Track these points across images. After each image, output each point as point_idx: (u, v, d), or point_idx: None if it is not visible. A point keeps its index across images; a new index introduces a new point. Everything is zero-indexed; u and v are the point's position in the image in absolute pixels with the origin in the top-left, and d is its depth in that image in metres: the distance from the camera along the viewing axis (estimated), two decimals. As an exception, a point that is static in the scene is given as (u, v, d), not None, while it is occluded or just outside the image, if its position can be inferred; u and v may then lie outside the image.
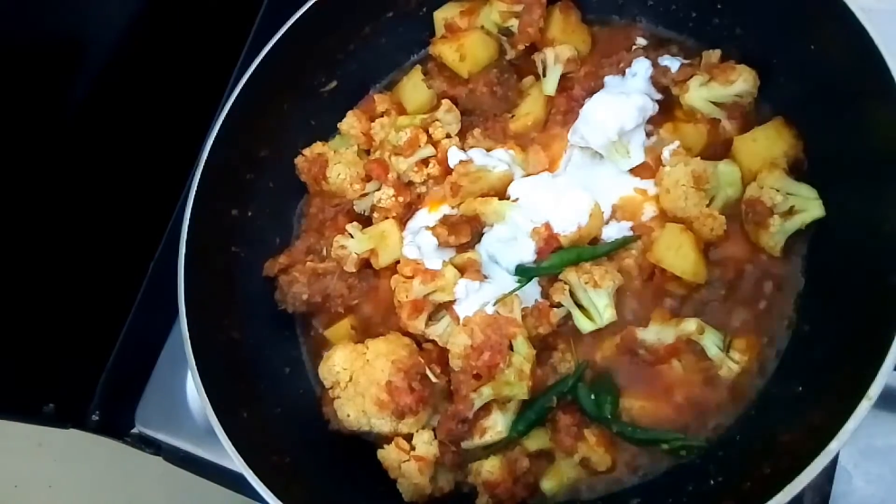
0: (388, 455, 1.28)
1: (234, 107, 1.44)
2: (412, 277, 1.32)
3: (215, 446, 1.22)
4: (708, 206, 1.29)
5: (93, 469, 1.94)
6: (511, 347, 1.25)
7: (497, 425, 1.27)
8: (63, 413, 1.58)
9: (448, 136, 1.47)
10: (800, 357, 1.23)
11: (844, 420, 0.99)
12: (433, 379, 1.29)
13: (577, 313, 1.30)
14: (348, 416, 1.29)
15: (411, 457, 1.26)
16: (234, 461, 1.17)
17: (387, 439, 1.30)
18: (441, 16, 1.58)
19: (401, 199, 1.46)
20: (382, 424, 1.28)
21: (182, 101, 1.73)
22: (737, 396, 1.25)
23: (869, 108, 1.17)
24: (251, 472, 1.16)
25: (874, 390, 0.99)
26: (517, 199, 1.37)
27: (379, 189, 1.48)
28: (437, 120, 1.48)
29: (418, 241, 1.39)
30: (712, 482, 1.19)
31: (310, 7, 1.47)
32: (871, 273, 1.13)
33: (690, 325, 1.24)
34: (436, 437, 1.28)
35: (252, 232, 1.51)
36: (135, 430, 1.62)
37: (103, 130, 1.60)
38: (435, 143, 1.46)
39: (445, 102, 1.49)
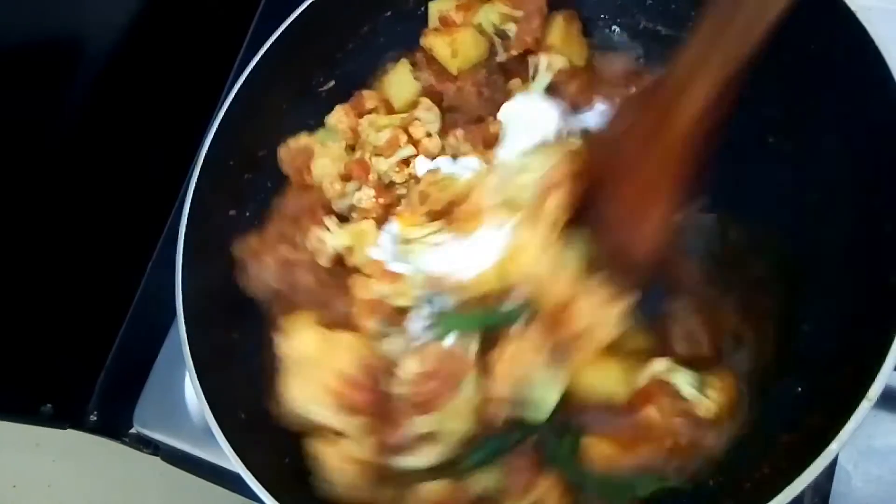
0: (321, 451, 1.23)
1: (232, 106, 1.43)
2: (372, 277, 1.30)
3: (214, 447, 1.21)
4: None
5: (91, 469, 1.94)
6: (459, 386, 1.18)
7: (428, 454, 1.19)
8: (61, 413, 1.58)
9: (428, 134, 1.44)
10: (799, 357, 1.22)
11: (844, 421, 0.99)
12: (385, 389, 1.23)
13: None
14: (293, 396, 1.24)
15: (344, 459, 1.21)
16: (232, 462, 1.17)
17: (321, 433, 1.25)
18: (436, 7, 1.55)
19: (381, 200, 1.42)
20: (324, 416, 1.22)
21: (179, 100, 1.72)
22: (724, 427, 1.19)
23: (869, 107, 1.17)
24: (249, 473, 1.16)
25: (874, 391, 0.98)
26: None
27: (359, 189, 1.45)
28: (417, 119, 1.45)
29: (383, 242, 1.37)
30: (711, 483, 1.18)
31: (308, 6, 1.46)
32: (872, 273, 1.12)
33: (660, 366, 1.18)
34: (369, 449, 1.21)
35: (250, 232, 1.50)
36: (133, 431, 1.62)
37: (100, 129, 1.60)
38: (415, 143, 1.43)
39: (424, 100, 1.46)
